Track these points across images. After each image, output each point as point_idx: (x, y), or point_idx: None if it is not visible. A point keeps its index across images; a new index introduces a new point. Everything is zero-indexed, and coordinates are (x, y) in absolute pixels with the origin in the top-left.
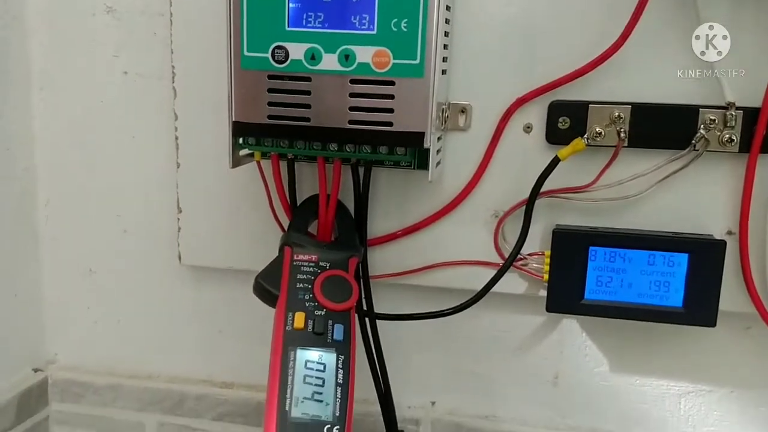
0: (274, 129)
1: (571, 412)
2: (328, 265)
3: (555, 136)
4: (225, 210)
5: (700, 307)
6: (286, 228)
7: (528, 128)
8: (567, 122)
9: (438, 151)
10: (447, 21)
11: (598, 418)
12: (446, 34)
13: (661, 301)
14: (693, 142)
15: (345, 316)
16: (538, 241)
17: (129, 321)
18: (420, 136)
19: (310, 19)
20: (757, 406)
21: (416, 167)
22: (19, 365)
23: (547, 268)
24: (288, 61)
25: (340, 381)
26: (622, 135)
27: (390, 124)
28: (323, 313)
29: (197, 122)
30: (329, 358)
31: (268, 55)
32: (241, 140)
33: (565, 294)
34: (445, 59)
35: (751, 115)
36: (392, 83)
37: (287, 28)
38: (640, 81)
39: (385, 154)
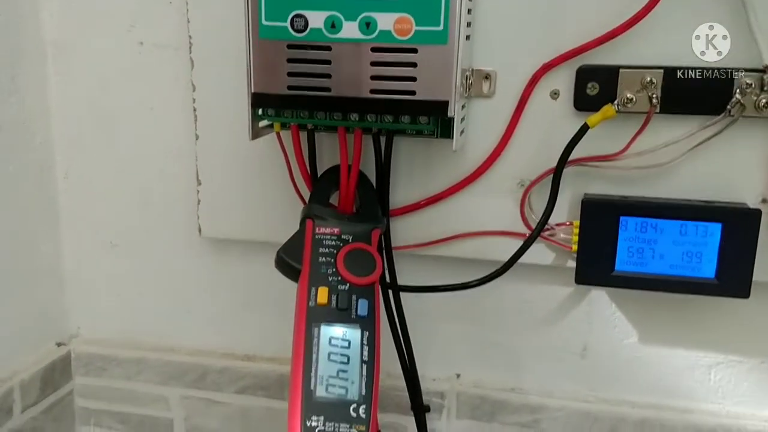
0: (294, 100)
1: (599, 385)
2: (350, 237)
3: (583, 103)
4: (245, 182)
5: (733, 278)
6: (306, 199)
7: (555, 94)
8: (596, 88)
9: (462, 120)
10: None
11: (626, 390)
12: None
13: (693, 273)
14: (728, 107)
15: (369, 290)
16: (565, 210)
17: (150, 294)
18: (444, 105)
19: None
20: None
21: (439, 136)
22: (43, 340)
23: (575, 238)
24: (307, 30)
25: (365, 358)
26: (654, 101)
27: (413, 93)
28: (347, 287)
29: (215, 93)
30: (354, 334)
31: (287, 24)
32: (260, 111)
33: (595, 265)
34: (469, 24)
35: None
36: (415, 51)
37: None
38: (673, 44)
39: (407, 123)
